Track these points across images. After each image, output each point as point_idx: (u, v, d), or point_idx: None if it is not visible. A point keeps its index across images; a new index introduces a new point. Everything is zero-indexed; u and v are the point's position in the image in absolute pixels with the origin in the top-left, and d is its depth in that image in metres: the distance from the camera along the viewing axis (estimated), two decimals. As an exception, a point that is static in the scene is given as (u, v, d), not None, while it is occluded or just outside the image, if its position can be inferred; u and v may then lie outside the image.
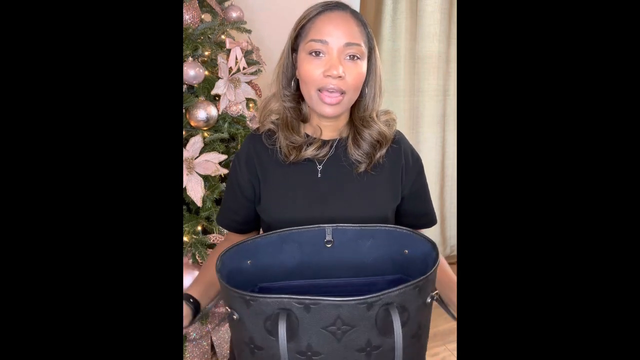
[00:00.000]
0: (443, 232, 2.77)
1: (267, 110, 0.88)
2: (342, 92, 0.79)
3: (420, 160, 0.93)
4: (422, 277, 0.61)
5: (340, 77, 0.77)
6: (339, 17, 0.78)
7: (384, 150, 0.85)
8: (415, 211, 0.92)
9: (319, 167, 0.85)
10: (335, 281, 0.77)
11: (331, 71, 0.76)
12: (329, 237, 0.75)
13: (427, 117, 2.55)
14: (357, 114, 0.86)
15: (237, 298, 0.61)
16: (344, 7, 0.81)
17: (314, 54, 0.78)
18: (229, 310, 0.63)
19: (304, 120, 0.87)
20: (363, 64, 0.80)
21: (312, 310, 0.57)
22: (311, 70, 0.78)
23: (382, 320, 0.58)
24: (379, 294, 0.57)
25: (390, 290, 0.58)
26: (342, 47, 0.77)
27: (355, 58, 0.78)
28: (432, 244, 0.71)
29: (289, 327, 0.58)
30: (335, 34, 0.77)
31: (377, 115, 0.87)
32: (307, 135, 0.86)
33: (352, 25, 0.79)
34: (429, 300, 0.64)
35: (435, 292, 0.65)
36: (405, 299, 0.59)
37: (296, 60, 0.83)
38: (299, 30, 0.82)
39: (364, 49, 0.80)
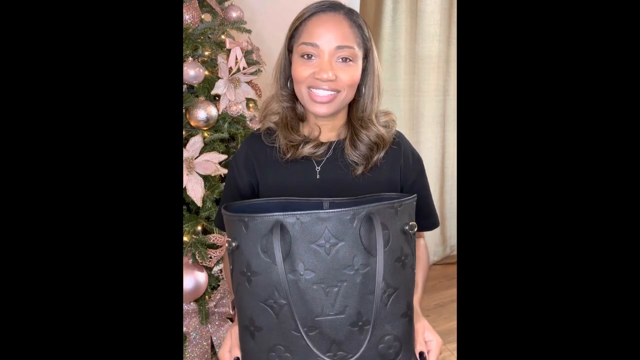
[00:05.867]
0: (443, 232, 2.76)
1: (268, 110, 0.88)
2: (337, 91, 0.79)
3: (421, 161, 0.93)
4: (397, 199, 0.68)
5: (330, 80, 0.77)
6: (331, 19, 0.78)
7: (381, 154, 0.85)
8: (417, 213, 0.92)
9: (318, 169, 0.85)
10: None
11: (321, 74, 0.77)
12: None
13: (427, 117, 2.55)
14: (356, 115, 0.86)
15: (236, 222, 0.66)
16: (338, 8, 0.80)
17: (305, 56, 0.78)
18: (229, 241, 0.67)
19: (302, 120, 0.87)
20: (356, 66, 0.80)
21: (304, 225, 0.63)
22: (302, 71, 0.79)
23: (366, 235, 0.64)
24: (360, 205, 0.64)
25: (370, 205, 0.65)
26: (333, 50, 0.77)
27: (348, 60, 0.78)
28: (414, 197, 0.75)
29: (283, 246, 0.62)
30: (326, 36, 0.77)
31: (376, 117, 0.86)
32: (305, 136, 0.86)
33: (345, 27, 0.78)
34: (406, 228, 0.69)
35: (413, 223, 0.70)
36: (385, 217, 0.65)
37: (292, 60, 0.83)
38: (293, 31, 0.82)
39: (357, 50, 0.79)
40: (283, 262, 0.62)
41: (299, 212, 0.63)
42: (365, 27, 0.82)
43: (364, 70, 0.83)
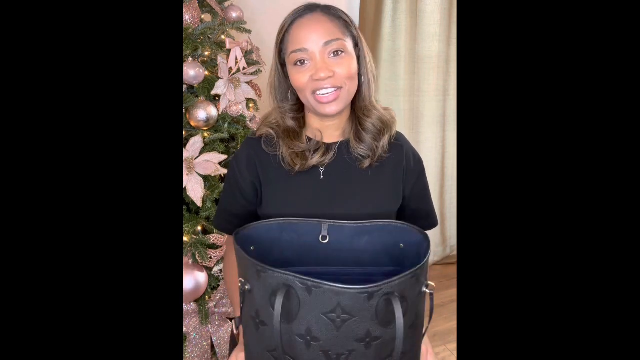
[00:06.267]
0: (443, 232, 2.76)
1: (267, 122, 0.89)
2: (338, 88, 0.79)
3: (422, 162, 0.93)
4: (418, 266, 0.62)
5: (329, 77, 0.77)
6: (310, 21, 0.79)
7: (386, 138, 0.86)
8: (416, 213, 0.93)
9: (321, 170, 0.85)
10: (334, 269, 0.78)
11: (318, 74, 0.77)
12: (324, 233, 0.76)
13: (427, 117, 2.55)
14: (358, 105, 0.87)
15: (250, 267, 0.63)
16: (313, 8, 0.81)
17: (299, 63, 0.79)
18: (242, 281, 0.65)
19: (296, 131, 0.87)
20: (350, 56, 0.80)
21: (314, 292, 0.58)
22: (300, 78, 0.79)
23: (382, 310, 0.59)
24: (380, 283, 0.57)
25: (390, 280, 0.58)
26: (322, 48, 0.77)
27: (340, 53, 0.79)
28: (424, 235, 0.73)
29: (290, 307, 0.59)
30: (311, 37, 0.77)
31: (376, 101, 0.87)
32: (309, 139, 0.86)
33: (325, 22, 0.79)
34: (424, 289, 0.65)
35: (432, 284, 0.66)
36: (405, 288, 0.61)
37: (287, 73, 0.84)
38: (280, 45, 0.83)
39: (346, 41, 0.80)
40: (290, 324, 0.60)
41: (310, 281, 0.58)
42: (346, 17, 0.83)
43: (358, 58, 0.83)
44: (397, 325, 0.57)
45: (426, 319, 0.71)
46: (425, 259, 0.65)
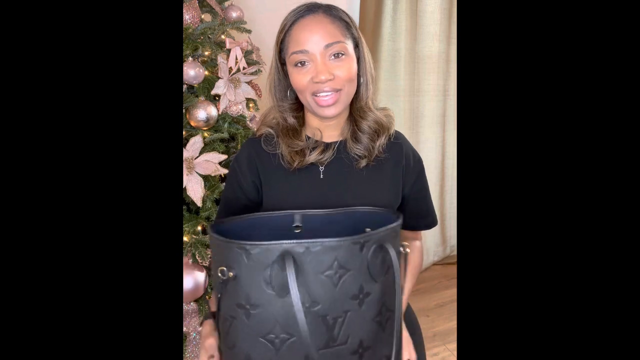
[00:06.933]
0: (443, 232, 2.77)
1: (266, 120, 0.89)
2: (338, 90, 0.79)
3: (422, 162, 0.94)
4: (397, 222, 0.67)
5: (329, 80, 0.77)
6: (311, 22, 0.79)
7: (382, 139, 0.86)
8: (415, 212, 0.93)
9: (321, 169, 0.85)
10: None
11: (319, 77, 0.77)
12: (297, 223, 0.76)
13: (427, 117, 2.55)
14: (355, 106, 0.87)
15: (236, 250, 0.60)
16: (315, 9, 0.80)
17: (299, 64, 0.79)
18: (223, 270, 0.61)
19: (297, 129, 0.88)
20: (350, 58, 0.80)
21: (313, 253, 0.59)
22: (300, 79, 0.79)
23: (372, 263, 0.62)
24: (371, 232, 0.63)
25: (380, 230, 0.63)
26: (323, 50, 0.77)
27: (340, 55, 0.79)
28: (392, 211, 0.75)
29: (284, 279, 0.58)
30: (312, 39, 0.77)
31: (372, 103, 0.87)
32: (308, 138, 0.87)
33: (327, 24, 0.79)
34: (401, 249, 0.69)
35: (406, 243, 0.70)
36: (389, 241, 0.64)
37: (287, 72, 0.84)
38: (280, 44, 0.83)
39: (346, 43, 0.80)
40: (287, 295, 0.59)
41: (308, 241, 0.59)
42: (347, 18, 0.82)
43: (358, 59, 0.84)
44: (392, 265, 0.61)
45: (402, 280, 0.73)
46: (400, 219, 0.69)
